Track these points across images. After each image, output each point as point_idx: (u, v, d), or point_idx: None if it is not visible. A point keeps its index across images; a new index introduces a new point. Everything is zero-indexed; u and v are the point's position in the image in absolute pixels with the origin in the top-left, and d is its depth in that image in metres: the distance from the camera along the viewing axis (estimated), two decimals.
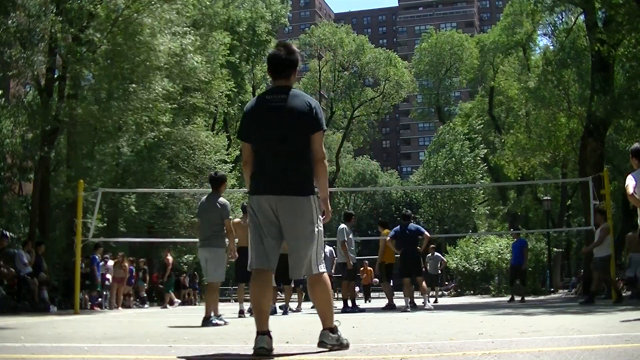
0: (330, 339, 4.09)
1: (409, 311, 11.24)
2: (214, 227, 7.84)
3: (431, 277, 17.58)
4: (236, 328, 7.19)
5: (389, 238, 12.50)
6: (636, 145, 7.02)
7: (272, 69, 4.22)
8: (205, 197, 8.22)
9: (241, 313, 10.38)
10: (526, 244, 17.36)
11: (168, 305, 18.80)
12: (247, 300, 12.02)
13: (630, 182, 6.54)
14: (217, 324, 7.57)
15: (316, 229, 4.12)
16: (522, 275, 16.82)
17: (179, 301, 21.06)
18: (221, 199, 7.97)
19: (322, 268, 4.16)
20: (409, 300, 12.29)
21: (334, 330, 4.14)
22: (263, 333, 3.92)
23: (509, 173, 30.93)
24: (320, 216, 4.17)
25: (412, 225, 12.48)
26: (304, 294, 14.08)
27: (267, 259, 4.08)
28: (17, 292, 14.09)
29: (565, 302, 14.12)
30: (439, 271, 19.52)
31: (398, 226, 12.51)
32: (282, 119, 4.08)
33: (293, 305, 13.22)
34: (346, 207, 58.02)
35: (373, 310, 12.96)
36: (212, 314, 7.74)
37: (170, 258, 19.69)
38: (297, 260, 4.10)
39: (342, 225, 12.39)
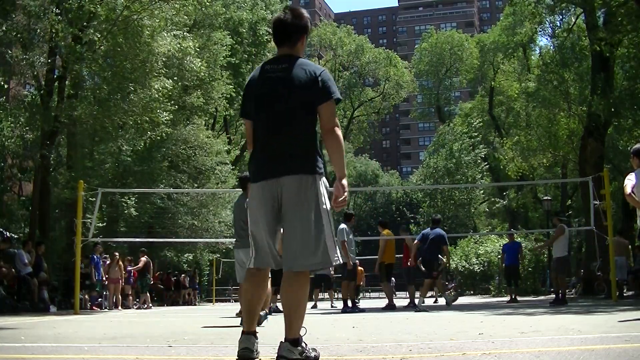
0: (292, 353, 3.41)
1: (427, 311, 11.30)
2: (246, 227, 7.84)
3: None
4: (237, 329, 7.18)
5: (416, 241, 12.78)
6: (638, 145, 7.04)
7: (275, 35, 3.72)
8: (238, 199, 8.21)
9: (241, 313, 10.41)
10: (521, 247, 17.55)
11: (143, 306, 18.55)
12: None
13: (629, 182, 6.54)
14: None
15: (326, 212, 3.57)
16: (517, 276, 16.88)
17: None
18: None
19: (340, 258, 3.63)
20: (422, 300, 12.37)
21: (297, 341, 3.47)
22: (249, 333, 3.58)
23: (509, 172, 30.93)
24: (328, 200, 3.60)
25: (439, 230, 12.80)
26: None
27: (271, 258, 3.64)
28: (17, 292, 14.09)
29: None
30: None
31: (427, 229, 12.89)
32: (281, 91, 3.57)
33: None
34: (346, 207, 57.99)
35: (373, 310, 12.96)
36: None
37: (144, 259, 18.92)
38: (302, 249, 3.49)
39: (342, 225, 12.41)
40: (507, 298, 16.06)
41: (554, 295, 12.89)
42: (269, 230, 3.61)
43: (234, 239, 8.23)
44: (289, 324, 3.49)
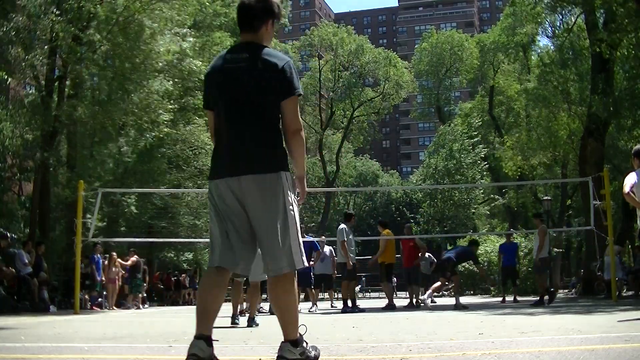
0: (292, 354, 3.30)
1: (429, 308, 11.47)
2: None
3: (426, 277, 17.58)
4: (237, 329, 7.18)
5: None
6: (639, 146, 7.05)
7: (238, 20, 3.43)
8: None
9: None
10: (517, 247, 17.71)
11: (141, 306, 18.39)
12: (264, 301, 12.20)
13: (628, 181, 6.53)
14: (257, 324, 7.60)
15: (292, 212, 3.34)
16: (516, 276, 16.91)
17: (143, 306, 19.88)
18: None
19: (296, 264, 3.35)
20: (431, 295, 12.58)
21: (297, 342, 3.34)
22: (200, 337, 3.22)
23: (508, 170, 30.98)
24: (295, 197, 3.40)
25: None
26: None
27: (234, 258, 3.36)
28: (17, 292, 14.09)
29: (565, 302, 14.12)
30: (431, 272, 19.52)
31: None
32: (242, 84, 3.29)
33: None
34: (346, 207, 58.02)
35: (373, 310, 12.96)
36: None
37: (134, 259, 18.46)
38: (271, 253, 3.31)
39: (342, 225, 12.42)
40: (510, 298, 16.05)
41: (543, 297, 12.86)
42: (231, 229, 3.36)
43: None
44: (284, 328, 3.36)
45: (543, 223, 13.66)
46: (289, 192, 3.34)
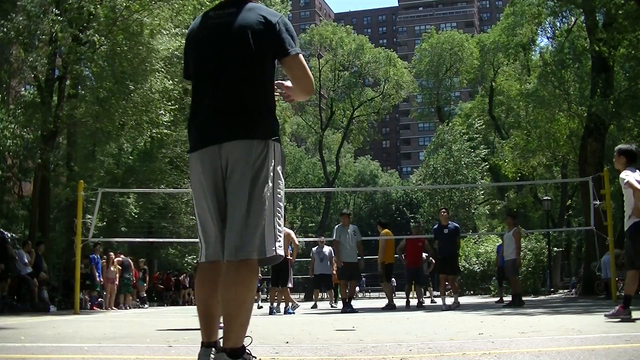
0: None
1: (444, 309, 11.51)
2: None
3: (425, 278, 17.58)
4: None
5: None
6: (625, 145, 7.03)
7: None
8: None
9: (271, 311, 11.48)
10: None
11: (128, 306, 18.23)
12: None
13: (630, 177, 6.50)
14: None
15: (275, 189, 2.88)
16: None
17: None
18: None
19: (280, 250, 2.87)
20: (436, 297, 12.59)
21: (237, 352, 2.73)
22: (209, 345, 2.86)
23: (507, 172, 30.99)
24: (280, 175, 2.95)
25: (451, 224, 12.84)
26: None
27: (216, 247, 2.94)
28: (17, 292, 14.10)
29: (565, 302, 14.12)
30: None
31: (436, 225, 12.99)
32: (228, 38, 2.90)
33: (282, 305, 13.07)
34: (346, 207, 58.06)
35: (373, 310, 12.96)
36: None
37: (119, 258, 18.14)
38: (239, 231, 2.78)
39: (336, 226, 12.56)
40: (509, 298, 16.03)
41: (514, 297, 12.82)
42: (218, 213, 2.89)
43: None
44: (227, 328, 2.75)
45: (517, 225, 13.24)
46: (276, 166, 2.90)
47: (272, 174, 2.88)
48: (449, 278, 12.56)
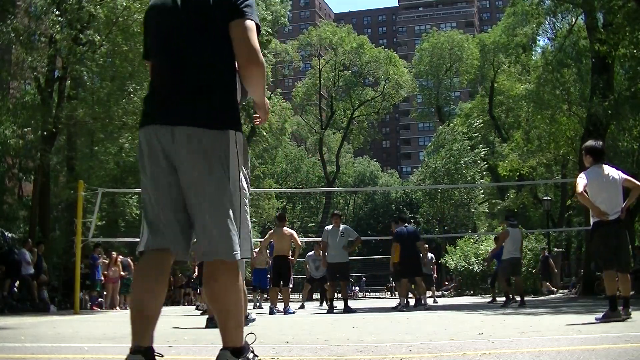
0: None
1: (404, 310, 11.43)
2: None
3: (427, 277, 17.56)
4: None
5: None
6: (590, 142, 6.97)
7: None
8: None
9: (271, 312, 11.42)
10: None
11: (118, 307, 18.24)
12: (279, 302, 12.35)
13: (581, 180, 6.49)
14: (253, 320, 7.70)
15: (237, 186, 2.61)
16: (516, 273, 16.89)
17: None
18: None
19: (241, 253, 2.60)
20: (404, 300, 12.39)
21: (239, 351, 2.64)
22: (137, 350, 2.50)
23: (502, 171, 31.04)
24: (243, 169, 2.68)
25: (410, 227, 12.70)
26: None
27: (164, 233, 2.61)
28: (17, 292, 14.11)
29: (565, 302, 14.12)
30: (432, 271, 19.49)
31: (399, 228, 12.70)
32: (181, 12, 2.64)
33: (280, 305, 13.05)
34: (346, 208, 58.07)
35: (377, 310, 12.96)
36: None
37: (119, 259, 17.87)
38: (207, 232, 2.56)
39: (327, 227, 12.49)
40: (503, 298, 16.04)
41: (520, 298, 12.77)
42: (164, 195, 2.60)
43: None
44: (224, 330, 2.64)
45: (512, 225, 12.96)
46: (237, 159, 2.61)
47: (236, 168, 2.61)
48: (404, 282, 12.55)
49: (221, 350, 2.62)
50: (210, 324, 7.56)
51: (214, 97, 2.57)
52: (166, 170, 2.59)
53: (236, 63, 2.63)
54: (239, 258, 2.59)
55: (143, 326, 2.56)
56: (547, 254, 21.55)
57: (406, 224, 12.77)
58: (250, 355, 2.72)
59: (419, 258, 12.55)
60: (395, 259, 13.00)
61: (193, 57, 2.59)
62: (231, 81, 2.64)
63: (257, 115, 2.99)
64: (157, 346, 4.84)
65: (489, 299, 16.57)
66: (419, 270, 12.63)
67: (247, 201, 2.70)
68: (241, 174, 2.65)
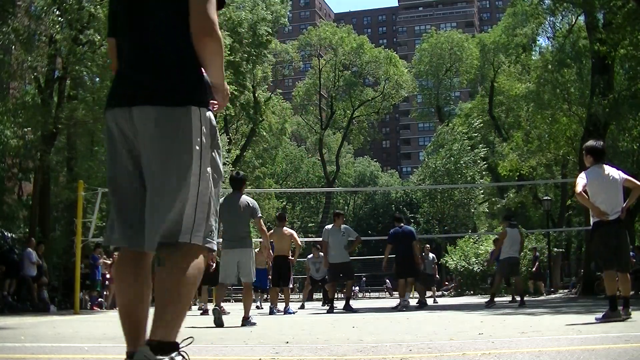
0: None
1: (404, 310, 11.43)
2: (246, 228, 7.84)
3: (428, 277, 17.55)
4: (237, 329, 7.18)
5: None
6: (591, 142, 6.96)
7: None
8: (226, 198, 8.04)
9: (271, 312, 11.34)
10: None
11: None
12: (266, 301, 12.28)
13: (580, 180, 6.49)
14: (254, 323, 7.56)
15: (201, 168, 2.38)
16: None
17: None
18: (249, 198, 7.99)
19: (199, 238, 2.37)
20: (404, 300, 12.38)
21: (165, 348, 2.28)
22: (132, 356, 2.33)
23: (502, 171, 31.04)
24: (208, 148, 2.44)
25: (406, 227, 12.64)
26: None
27: (134, 229, 2.40)
28: (17, 292, 14.11)
29: (565, 302, 14.12)
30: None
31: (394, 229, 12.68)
32: None
33: (280, 305, 13.04)
34: (346, 207, 58.07)
35: (377, 310, 12.96)
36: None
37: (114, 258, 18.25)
38: (154, 219, 2.32)
39: (327, 226, 12.47)
40: (508, 298, 16.03)
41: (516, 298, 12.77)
42: (130, 186, 2.42)
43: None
44: (156, 320, 2.32)
45: (511, 226, 13.03)
46: (201, 137, 2.38)
47: (199, 147, 2.37)
48: (402, 282, 12.54)
49: (144, 344, 2.29)
50: (245, 323, 7.53)
51: (173, 72, 2.36)
52: (126, 156, 2.42)
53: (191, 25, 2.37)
54: (189, 242, 2.34)
55: (135, 329, 2.43)
56: (536, 254, 21.52)
57: (402, 224, 12.70)
58: (178, 358, 2.32)
59: (414, 259, 12.45)
60: (385, 259, 13.04)
61: (152, 33, 2.39)
62: (193, 57, 2.38)
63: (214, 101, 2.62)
64: None
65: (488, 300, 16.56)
66: (414, 271, 12.54)
67: (212, 186, 2.44)
68: (208, 154, 2.42)
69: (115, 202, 2.47)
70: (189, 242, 2.35)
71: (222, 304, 7.99)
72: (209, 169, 2.42)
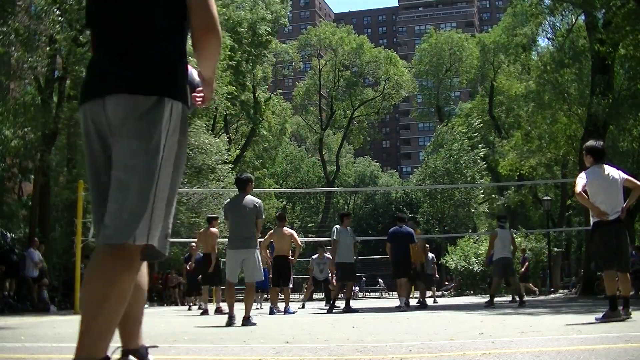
0: None
1: (404, 310, 11.45)
2: (251, 228, 7.87)
3: (428, 277, 17.53)
4: (236, 329, 7.18)
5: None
6: (591, 142, 6.96)
7: None
8: (231, 199, 8.16)
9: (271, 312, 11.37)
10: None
11: None
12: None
13: (580, 180, 6.49)
14: (255, 324, 7.55)
15: (164, 164, 2.22)
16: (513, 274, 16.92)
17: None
18: (256, 199, 8.02)
19: (141, 237, 2.16)
20: (404, 300, 12.36)
21: None
22: (126, 353, 2.36)
23: (502, 170, 31.06)
24: (177, 144, 2.29)
25: (406, 228, 12.64)
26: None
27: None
28: (17, 292, 14.12)
29: (565, 302, 14.12)
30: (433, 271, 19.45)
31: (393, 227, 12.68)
32: None
33: (281, 305, 13.04)
34: (346, 207, 58.06)
35: (377, 310, 12.96)
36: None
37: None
38: (112, 209, 2.16)
39: (336, 226, 12.47)
40: (508, 298, 16.04)
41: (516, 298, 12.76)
42: (107, 183, 2.25)
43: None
44: (83, 329, 2.20)
45: (500, 227, 13.20)
46: (167, 130, 2.23)
47: (166, 142, 2.22)
48: (402, 282, 12.52)
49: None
50: (246, 323, 7.53)
51: (147, 61, 2.24)
52: (100, 152, 2.29)
53: (191, 33, 2.32)
54: (130, 241, 2.14)
55: (127, 326, 2.38)
56: (525, 255, 21.51)
57: (402, 225, 12.69)
58: None
59: (409, 259, 12.41)
60: (391, 258, 13.02)
61: (129, 24, 2.27)
62: (174, 42, 2.31)
63: (198, 94, 2.53)
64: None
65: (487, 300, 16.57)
66: (409, 272, 12.51)
67: (172, 183, 2.29)
68: (173, 150, 2.27)
69: (93, 200, 2.35)
70: (129, 242, 2.15)
71: (221, 304, 8.00)
72: (171, 166, 2.28)
